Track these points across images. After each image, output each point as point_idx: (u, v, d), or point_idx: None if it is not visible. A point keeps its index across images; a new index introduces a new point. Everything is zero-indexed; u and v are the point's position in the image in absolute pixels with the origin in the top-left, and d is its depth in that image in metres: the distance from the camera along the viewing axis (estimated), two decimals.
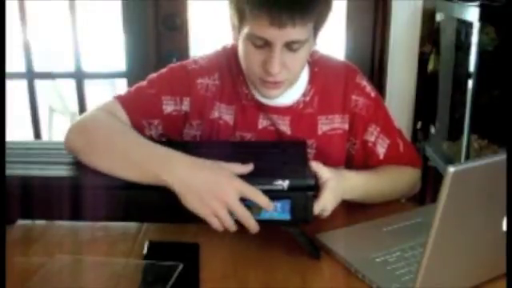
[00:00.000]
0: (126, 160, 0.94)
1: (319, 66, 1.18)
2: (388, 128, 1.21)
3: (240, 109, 1.16)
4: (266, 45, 1.00)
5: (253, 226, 0.91)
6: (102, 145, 0.98)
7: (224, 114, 1.17)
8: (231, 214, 0.89)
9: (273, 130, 1.17)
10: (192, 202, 0.89)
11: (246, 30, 1.01)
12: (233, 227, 0.91)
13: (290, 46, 1.00)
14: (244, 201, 0.89)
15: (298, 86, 1.16)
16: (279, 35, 0.97)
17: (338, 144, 1.19)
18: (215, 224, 0.90)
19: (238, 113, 1.16)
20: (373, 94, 1.20)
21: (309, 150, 1.14)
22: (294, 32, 0.97)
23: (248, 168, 0.92)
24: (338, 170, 1.09)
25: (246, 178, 0.91)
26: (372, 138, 1.18)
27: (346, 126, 1.18)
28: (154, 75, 1.17)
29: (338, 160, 1.19)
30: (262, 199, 0.89)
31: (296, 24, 0.96)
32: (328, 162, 1.11)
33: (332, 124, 1.18)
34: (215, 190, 0.88)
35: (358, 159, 1.20)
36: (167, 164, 0.91)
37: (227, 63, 1.17)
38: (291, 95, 1.16)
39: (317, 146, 1.17)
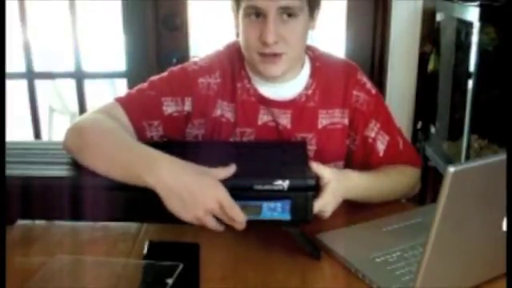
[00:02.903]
0: (112, 160, 0.95)
1: (320, 62, 1.20)
2: (388, 125, 1.21)
3: (241, 104, 1.17)
4: (261, 16, 1.05)
5: (240, 226, 0.90)
6: (92, 145, 0.99)
7: (226, 111, 1.17)
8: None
9: (273, 125, 1.17)
10: (174, 205, 0.88)
11: (242, 7, 1.06)
12: (220, 228, 0.90)
13: (283, 13, 1.05)
14: (240, 200, 0.89)
15: (299, 80, 1.17)
16: (271, 3, 1.03)
17: (337, 139, 1.19)
18: (200, 225, 0.90)
19: (238, 109, 1.17)
20: (373, 91, 1.21)
21: (308, 146, 1.15)
22: None
23: (230, 171, 0.92)
24: (341, 170, 1.09)
25: (247, 177, 0.91)
26: (372, 134, 1.19)
27: (346, 121, 1.19)
28: (154, 77, 1.18)
29: (338, 155, 1.20)
30: (236, 214, 0.89)
31: None
32: (327, 156, 1.12)
33: (332, 118, 1.18)
34: (197, 196, 0.88)
35: (358, 156, 1.20)
36: (151, 166, 0.90)
37: (229, 60, 1.18)
38: (293, 89, 1.17)
39: (316, 141, 1.18)
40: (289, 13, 1.05)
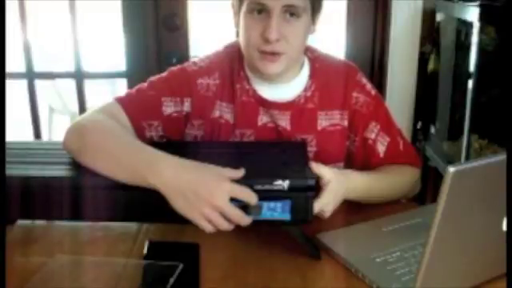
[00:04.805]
0: (115, 162, 0.94)
1: (320, 63, 1.20)
2: (388, 126, 1.21)
3: (240, 105, 1.17)
4: (264, 12, 1.05)
5: (246, 222, 0.90)
6: (94, 146, 0.98)
7: (225, 112, 1.17)
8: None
9: (272, 126, 1.17)
10: (179, 204, 0.88)
11: (246, 2, 1.06)
12: (229, 228, 0.89)
13: (287, 12, 1.05)
14: (238, 201, 0.89)
15: (298, 81, 1.17)
16: (276, 0, 1.03)
17: (337, 140, 1.19)
18: (207, 228, 0.88)
19: (237, 110, 1.17)
20: (373, 92, 1.21)
21: (308, 148, 1.14)
22: None
23: (239, 173, 0.90)
24: (341, 170, 1.09)
25: (246, 178, 0.91)
26: (372, 136, 1.19)
27: (346, 123, 1.19)
28: (154, 77, 1.17)
29: (338, 157, 1.20)
30: (252, 197, 0.88)
31: None
32: (327, 158, 1.11)
33: (331, 120, 1.18)
34: (203, 193, 0.87)
35: (358, 157, 1.20)
36: (154, 166, 0.90)
37: (228, 61, 1.18)
38: (292, 90, 1.17)
39: (316, 142, 1.18)
40: (292, 12, 1.06)
